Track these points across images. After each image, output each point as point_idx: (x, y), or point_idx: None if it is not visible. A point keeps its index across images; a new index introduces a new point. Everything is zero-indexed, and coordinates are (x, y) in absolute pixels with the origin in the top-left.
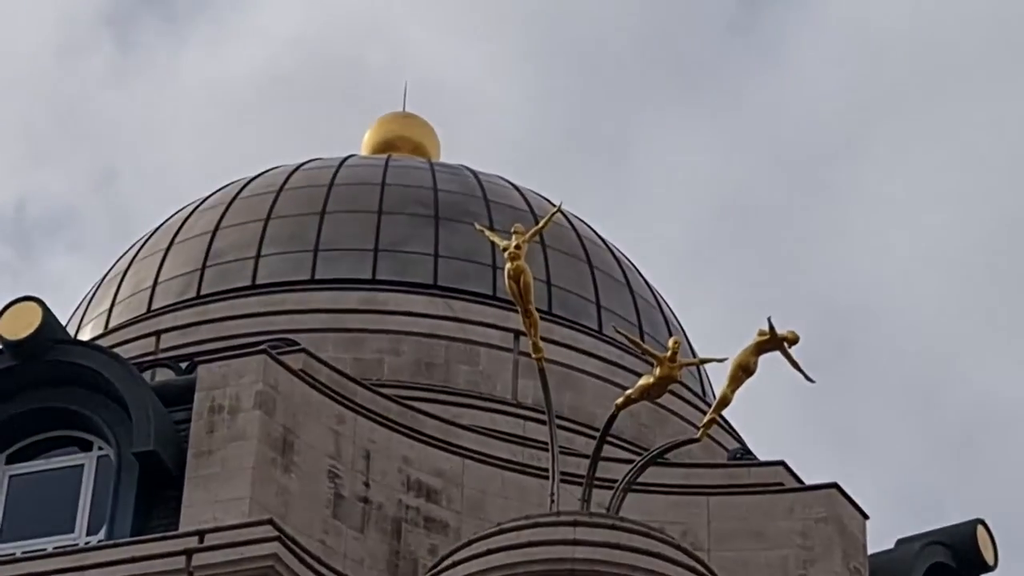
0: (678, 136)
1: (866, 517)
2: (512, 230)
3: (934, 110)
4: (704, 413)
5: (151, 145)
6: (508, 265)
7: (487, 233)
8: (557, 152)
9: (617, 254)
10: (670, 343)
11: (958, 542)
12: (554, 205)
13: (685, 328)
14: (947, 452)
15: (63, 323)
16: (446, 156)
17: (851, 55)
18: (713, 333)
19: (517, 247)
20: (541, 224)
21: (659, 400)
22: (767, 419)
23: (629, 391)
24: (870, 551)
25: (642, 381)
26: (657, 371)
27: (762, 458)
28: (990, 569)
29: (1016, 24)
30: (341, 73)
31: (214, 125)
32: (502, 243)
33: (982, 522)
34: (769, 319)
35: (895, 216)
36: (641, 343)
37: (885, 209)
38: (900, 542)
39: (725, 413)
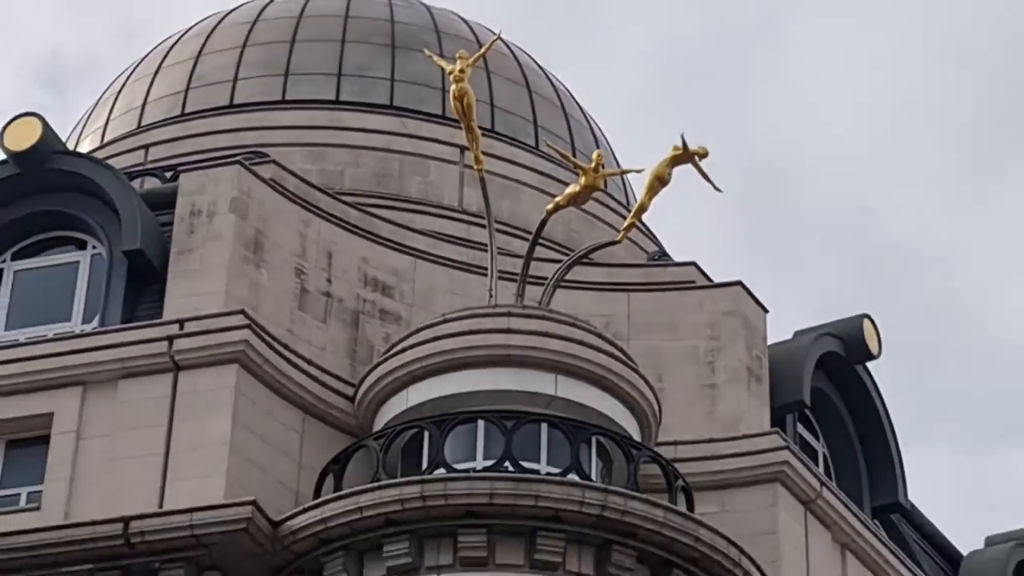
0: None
1: (766, 311)
2: (457, 56)
3: None
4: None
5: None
6: (453, 87)
7: (435, 59)
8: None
9: (554, 80)
10: (594, 156)
11: (847, 333)
12: (500, 38)
13: (617, 153)
14: (863, 285)
15: (63, 139)
16: None
17: None
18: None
19: (461, 71)
20: (482, 50)
21: (586, 207)
22: (708, 238)
23: (558, 198)
24: (771, 342)
25: (570, 189)
26: (583, 180)
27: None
28: (874, 358)
29: None
30: None
31: None
32: (448, 67)
33: (868, 316)
34: (682, 135)
35: (830, 70)
36: (570, 156)
37: (822, 64)
38: (797, 333)
39: (651, 222)
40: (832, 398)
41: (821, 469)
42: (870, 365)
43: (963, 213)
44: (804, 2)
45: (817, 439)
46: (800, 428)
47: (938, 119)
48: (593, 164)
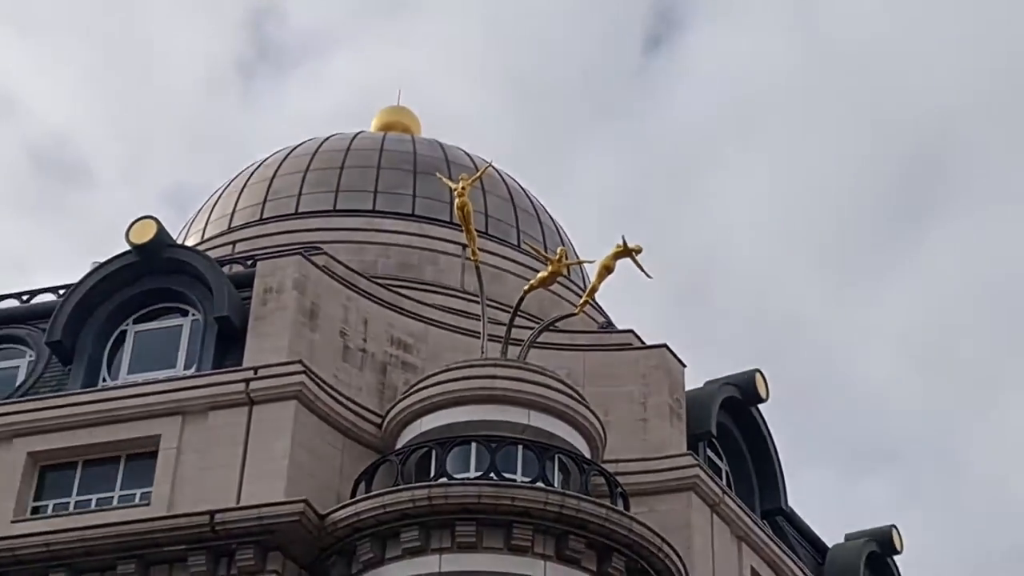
0: (593, 153)
1: (684, 366)
2: (460, 178)
3: (769, 130)
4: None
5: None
6: (457, 200)
7: (444, 180)
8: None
9: (531, 198)
10: (558, 251)
11: (743, 383)
12: (492, 166)
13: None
14: (759, 346)
15: (175, 236)
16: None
17: (720, 89)
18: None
19: (463, 188)
20: (477, 174)
21: (553, 289)
22: (643, 312)
23: (532, 281)
24: (688, 388)
25: (540, 275)
26: (550, 268)
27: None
28: (763, 401)
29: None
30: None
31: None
32: (454, 186)
33: (759, 371)
34: (623, 237)
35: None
36: (542, 252)
37: (732, 190)
38: (707, 383)
39: (604, 302)
40: (732, 430)
41: (724, 482)
42: (762, 407)
43: (836, 296)
44: (719, 157)
45: (721, 460)
46: (709, 452)
47: (816, 230)
48: (557, 257)
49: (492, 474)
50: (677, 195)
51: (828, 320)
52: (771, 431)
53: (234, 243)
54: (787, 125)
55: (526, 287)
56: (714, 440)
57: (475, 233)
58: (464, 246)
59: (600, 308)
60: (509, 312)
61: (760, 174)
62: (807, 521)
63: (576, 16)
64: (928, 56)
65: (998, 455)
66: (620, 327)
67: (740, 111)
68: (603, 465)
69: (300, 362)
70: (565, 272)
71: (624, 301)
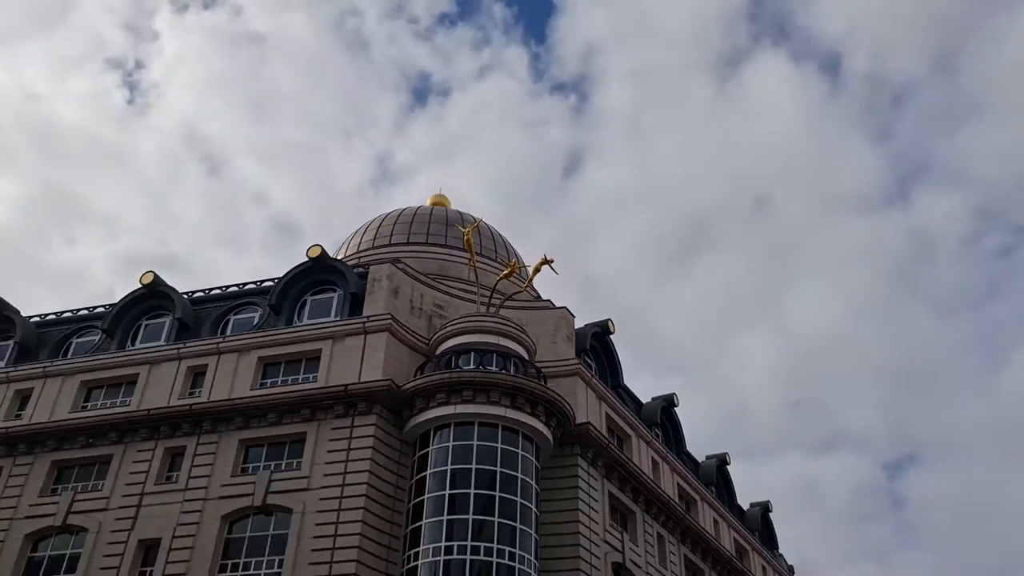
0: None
1: (574, 316)
2: (467, 228)
3: None
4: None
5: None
6: (464, 236)
7: (459, 228)
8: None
9: (504, 238)
10: (512, 262)
11: (602, 325)
12: (483, 221)
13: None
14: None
15: (332, 252)
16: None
17: None
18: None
19: (468, 232)
20: (473, 225)
21: (513, 280)
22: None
23: (499, 276)
24: (577, 327)
25: (504, 272)
26: (509, 269)
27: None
28: (612, 333)
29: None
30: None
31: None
32: (463, 230)
33: (610, 320)
34: (544, 255)
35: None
36: (506, 262)
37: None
38: (586, 325)
39: (539, 288)
40: (598, 348)
41: (593, 371)
42: (612, 337)
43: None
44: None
45: (592, 361)
46: (587, 358)
47: (656, 237)
48: (513, 263)
49: (480, 366)
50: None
51: (649, 299)
52: (616, 349)
53: (359, 257)
54: None
55: (498, 279)
56: (588, 352)
57: (475, 253)
58: (468, 259)
59: (535, 290)
60: (490, 292)
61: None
62: (634, 391)
63: None
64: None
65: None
66: (545, 299)
67: None
68: (535, 364)
69: (389, 315)
70: (517, 270)
71: (549, 287)
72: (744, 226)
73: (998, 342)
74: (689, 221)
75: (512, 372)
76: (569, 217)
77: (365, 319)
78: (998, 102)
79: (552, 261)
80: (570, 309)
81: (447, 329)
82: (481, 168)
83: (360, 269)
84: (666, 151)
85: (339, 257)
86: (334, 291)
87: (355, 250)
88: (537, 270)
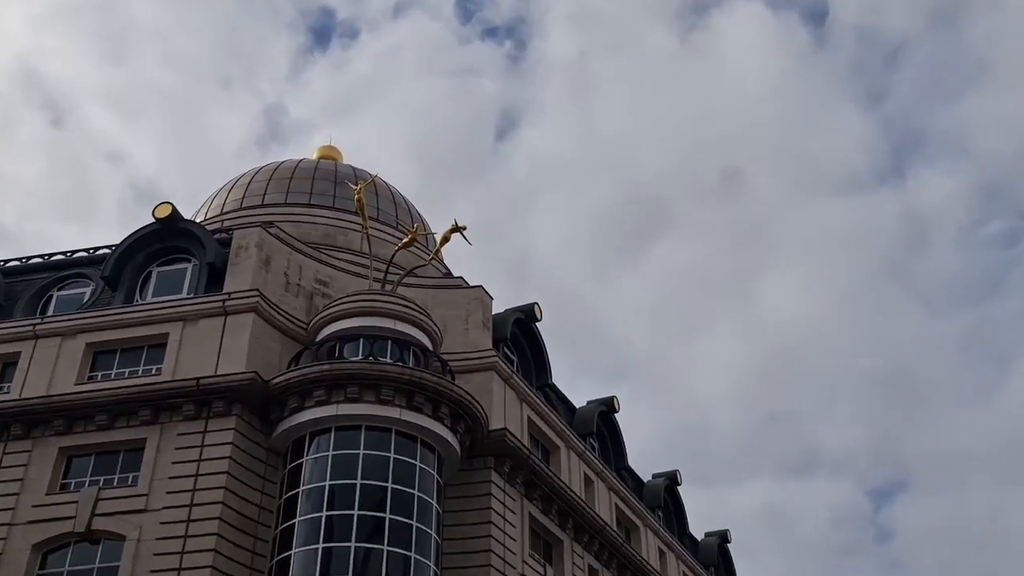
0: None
1: (492, 298)
2: (359, 181)
3: None
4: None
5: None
6: (356, 197)
7: (350, 185)
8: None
9: (405, 197)
10: (415, 227)
11: (527, 310)
12: (379, 178)
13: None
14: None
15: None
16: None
17: None
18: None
19: (359, 190)
20: (368, 181)
21: (414, 251)
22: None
23: (400, 244)
24: (495, 312)
25: (404, 240)
26: (409, 236)
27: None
28: (539, 320)
29: None
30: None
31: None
32: (354, 187)
33: (537, 303)
34: (455, 220)
35: None
36: (408, 229)
37: None
38: (507, 309)
39: (449, 261)
40: (521, 338)
41: (514, 367)
42: (538, 325)
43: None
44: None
45: (513, 354)
46: (505, 350)
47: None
48: (415, 230)
49: (371, 357)
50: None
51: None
52: (545, 341)
53: (222, 220)
54: None
55: (396, 249)
56: (509, 343)
57: (367, 216)
58: (361, 225)
59: (444, 265)
60: (386, 265)
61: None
62: (569, 397)
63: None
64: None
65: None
66: (457, 277)
67: None
68: (441, 355)
69: (257, 291)
70: (420, 240)
71: (464, 266)
72: (708, 204)
73: (998, 345)
74: (643, 196)
75: (410, 364)
76: (501, 187)
77: (226, 296)
78: (1005, 64)
79: (464, 228)
80: (487, 290)
81: (331, 310)
82: (395, 125)
83: (222, 234)
84: (618, 112)
85: (198, 220)
86: (188, 261)
87: (218, 211)
88: (446, 239)
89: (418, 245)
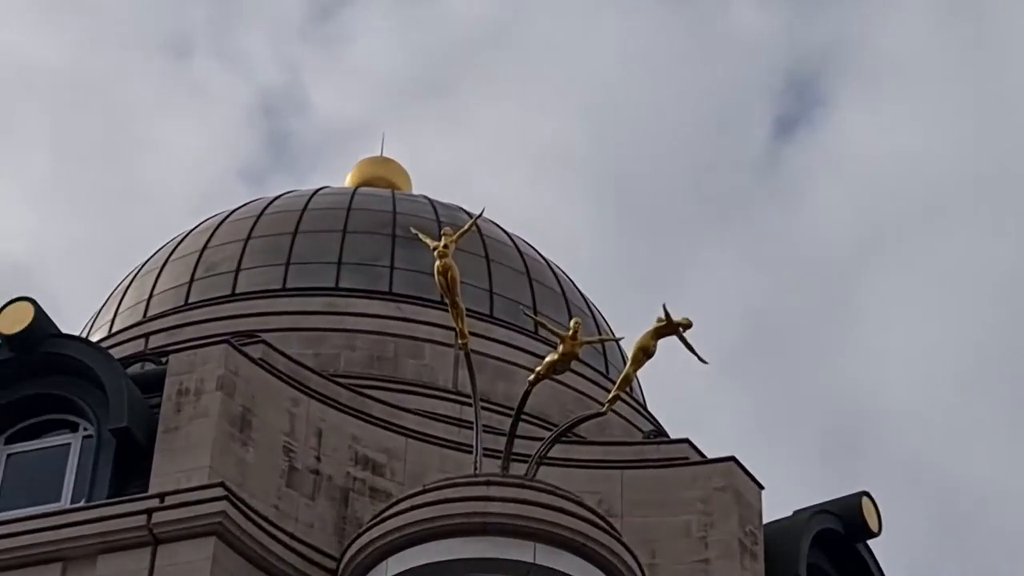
0: (707, 268)
1: (761, 488)
2: (442, 233)
3: (929, 242)
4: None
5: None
6: (437, 262)
7: (420, 236)
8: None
9: (553, 267)
10: (572, 323)
11: (845, 511)
12: (494, 224)
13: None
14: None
15: (75, 333)
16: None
17: (859, 192)
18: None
19: (445, 246)
20: (466, 227)
21: (583, 389)
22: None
23: (538, 368)
24: (768, 520)
25: (548, 358)
26: (561, 348)
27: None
28: (874, 535)
29: (1000, 167)
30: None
31: None
32: (432, 243)
33: (867, 494)
34: (664, 306)
35: (896, 329)
36: (545, 324)
37: (887, 323)
38: (796, 512)
39: (652, 402)
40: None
41: None
42: (872, 544)
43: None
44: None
45: None
46: None
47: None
48: (571, 331)
49: None
50: (812, 328)
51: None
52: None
53: (147, 336)
54: (961, 229)
55: (530, 377)
56: None
57: (462, 307)
58: (456, 327)
59: (648, 412)
60: (524, 423)
61: (923, 294)
62: None
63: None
64: None
65: None
66: (676, 437)
67: (897, 211)
68: None
69: (222, 485)
70: (579, 352)
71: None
72: None
73: None
74: None
75: None
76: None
77: (153, 501)
78: None
79: (688, 325)
80: (745, 466)
81: (389, 524)
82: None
83: (144, 364)
84: None
85: (97, 340)
86: (71, 428)
87: (137, 317)
88: (643, 351)
89: (585, 364)
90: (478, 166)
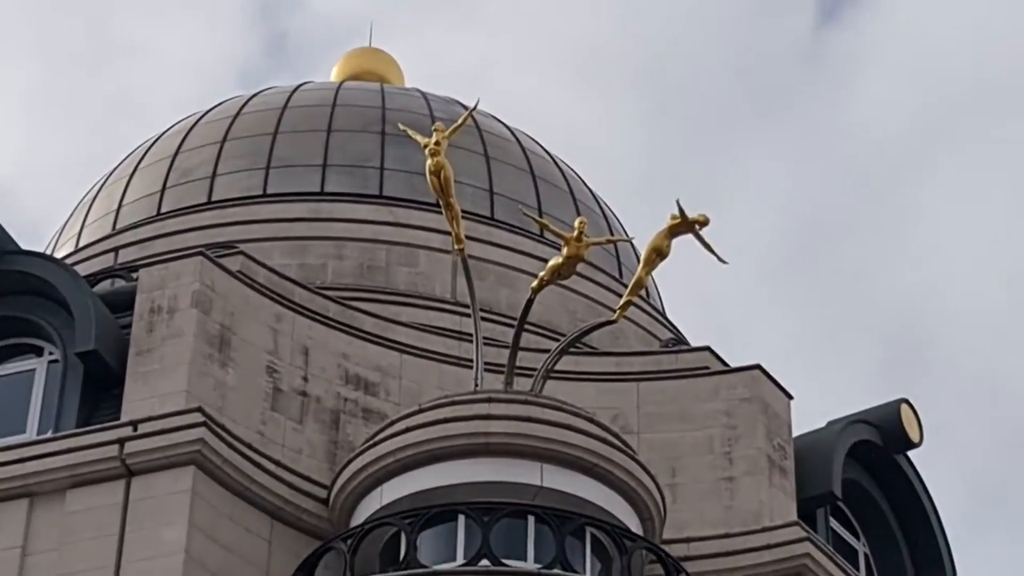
0: (758, 158)
1: (790, 397)
2: (433, 128)
3: (991, 129)
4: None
5: None
6: (428, 161)
7: (410, 132)
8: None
9: (560, 164)
10: (576, 223)
11: (883, 420)
12: (494, 118)
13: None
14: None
15: (42, 249)
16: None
17: (912, 77)
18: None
19: (436, 143)
20: (460, 121)
21: (595, 296)
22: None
23: (541, 273)
24: (798, 432)
25: (552, 262)
26: (565, 251)
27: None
28: (915, 446)
29: None
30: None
31: None
32: (423, 140)
33: (907, 401)
34: (678, 202)
35: (958, 226)
36: (548, 224)
37: (948, 220)
38: (830, 423)
39: (675, 310)
40: (871, 492)
41: (863, 572)
42: (912, 455)
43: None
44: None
45: (857, 538)
46: (836, 525)
47: None
48: (575, 233)
49: (486, 560)
50: (867, 226)
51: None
52: (929, 489)
53: (117, 250)
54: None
55: (533, 284)
56: (841, 506)
57: (458, 208)
58: (452, 232)
59: (667, 320)
60: (529, 332)
61: (987, 186)
62: None
63: None
64: None
65: None
66: (696, 345)
67: (955, 97)
68: (668, 547)
69: (200, 410)
70: (584, 254)
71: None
72: None
73: None
74: None
75: None
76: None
77: (126, 430)
78: None
79: (704, 222)
80: (776, 380)
81: (383, 447)
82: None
83: (113, 280)
84: None
85: (63, 255)
86: (36, 353)
87: (106, 230)
88: (656, 253)
89: (591, 265)
90: (495, 63)
